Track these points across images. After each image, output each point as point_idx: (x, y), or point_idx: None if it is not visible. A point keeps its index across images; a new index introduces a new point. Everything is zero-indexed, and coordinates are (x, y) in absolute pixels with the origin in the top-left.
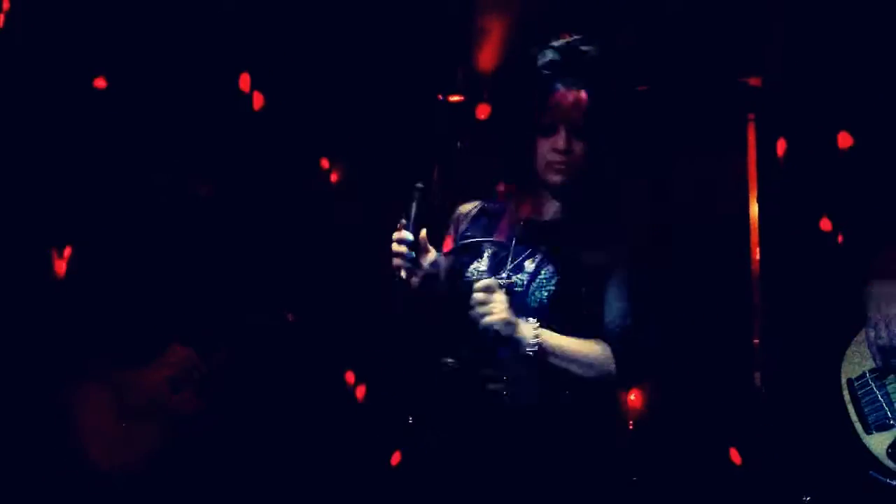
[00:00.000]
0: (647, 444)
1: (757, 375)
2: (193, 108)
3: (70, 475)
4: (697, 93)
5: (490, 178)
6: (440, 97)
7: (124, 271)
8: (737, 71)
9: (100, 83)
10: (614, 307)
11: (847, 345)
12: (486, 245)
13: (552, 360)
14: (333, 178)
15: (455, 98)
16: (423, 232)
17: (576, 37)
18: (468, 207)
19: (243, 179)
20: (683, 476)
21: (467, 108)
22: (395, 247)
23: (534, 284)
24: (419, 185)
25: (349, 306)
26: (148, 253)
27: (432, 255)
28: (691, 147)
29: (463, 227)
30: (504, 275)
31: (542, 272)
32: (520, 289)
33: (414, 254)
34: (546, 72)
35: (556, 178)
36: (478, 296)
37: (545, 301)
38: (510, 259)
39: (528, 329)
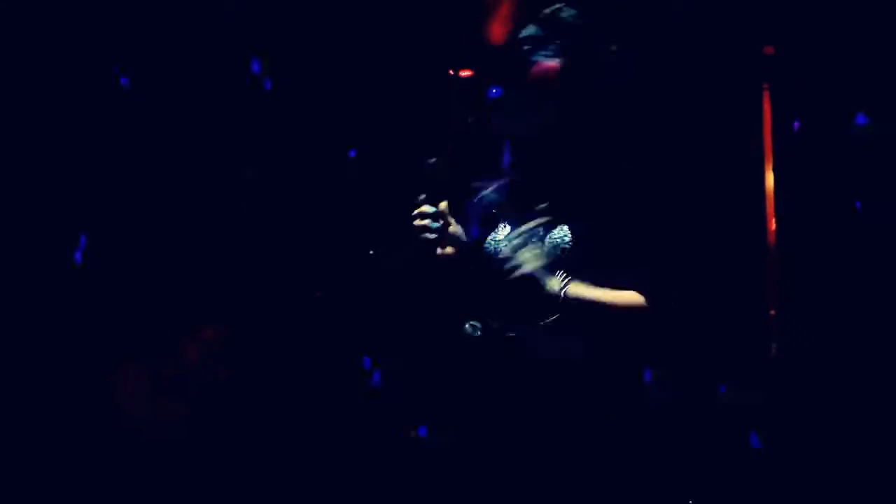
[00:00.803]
0: (662, 418)
1: (773, 347)
2: (206, 91)
3: (111, 450)
4: (712, 62)
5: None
6: (451, 72)
7: (153, 253)
8: (752, 40)
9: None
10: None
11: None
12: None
13: (582, 313)
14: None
15: (466, 73)
16: (444, 203)
17: (557, 5)
18: None
19: (259, 161)
20: (698, 449)
21: (479, 82)
22: (418, 222)
23: (547, 238)
24: (431, 160)
25: (368, 285)
26: (178, 233)
27: (456, 226)
28: (705, 117)
29: None
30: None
31: (556, 229)
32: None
33: (438, 224)
34: (526, 46)
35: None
36: (512, 238)
37: (558, 251)
38: (524, 225)
39: (555, 281)
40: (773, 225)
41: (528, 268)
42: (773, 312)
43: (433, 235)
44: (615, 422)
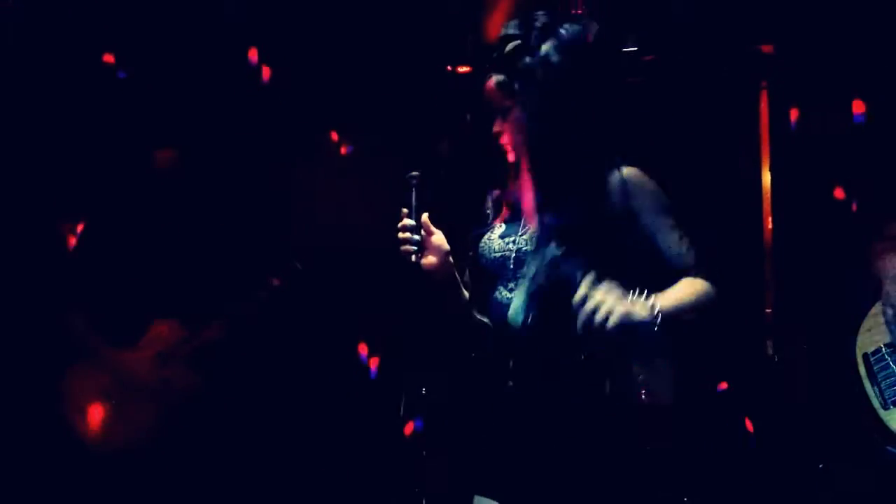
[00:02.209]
0: (660, 414)
1: (769, 345)
2: (200, 83)
3: (64, 457)
4: (709, 60)
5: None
6: (448, 69)
7: (109, 249)
8: (749, 38)
9: (108, 58)
10: (673, 246)
11: (862, 318)
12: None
13: (671, 321)
14: (343, 151)
15: (464, 69)
16: (425, 216)
17: (511, 30)
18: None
19: (247, 151)
20: (696, 445)
21: (476, 79)
22: (401, 234)
23: (547, 245)
24: (414, 173)
25: (357, 280)
26: (132, 228)
27: (439, 235)
28: (703, 115)
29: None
30: (513, 242)
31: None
32: (529, 248)
33: (419, 237)
34: (487, 64)
35: (508, 157)
36: (582, 295)
37: (558, 257)
38: (520, 230)
39: (642, 306)
40: (769, 224)
41: (616, 313)
42: (769, 311)
43: (414, 248)
44: (610, 422)
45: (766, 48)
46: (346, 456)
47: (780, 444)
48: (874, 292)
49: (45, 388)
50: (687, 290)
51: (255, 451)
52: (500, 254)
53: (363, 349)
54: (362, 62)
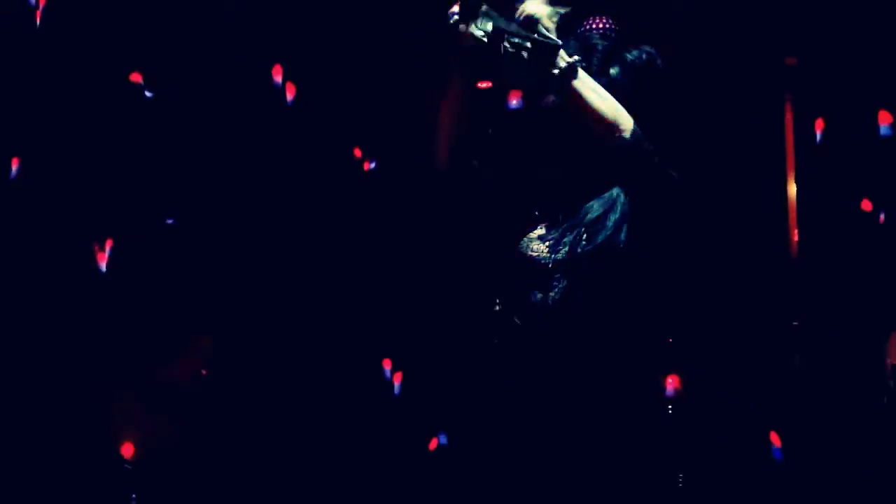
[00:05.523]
0: (687, 426)
1: (797, 357)
2: (222, 103)
3: (103, 467)
4: (734, 73)
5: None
6: None
7: (149, 266)
8: (774, 50)
9: (135, 77)
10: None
11: (891, 328)
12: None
13: (583, 92)
14: (366, 167)
15: (484, 84)
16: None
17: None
18: None
19: (272, 169)
20: (722, 458)
21: (498, 93)
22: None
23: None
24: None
25: (378, 295)
26: (172, 246)
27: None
28: (728, 128)
29: None
30: (552, 248)
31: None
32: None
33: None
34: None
35: None
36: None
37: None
38: (561, 237)
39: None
40: (795, 235)
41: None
42: (796, 323)
43: (465, 11)
44: (632, 426)
45: (791, 60)
46: (368, 470)
47: (807, 456)
48: None
49: (85, 400)
50: (617, 107)
51: (275, 464)
52: (535, 254)
53: (387, 364)
54: (384, 78)
